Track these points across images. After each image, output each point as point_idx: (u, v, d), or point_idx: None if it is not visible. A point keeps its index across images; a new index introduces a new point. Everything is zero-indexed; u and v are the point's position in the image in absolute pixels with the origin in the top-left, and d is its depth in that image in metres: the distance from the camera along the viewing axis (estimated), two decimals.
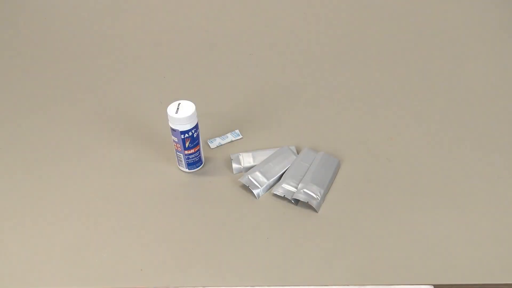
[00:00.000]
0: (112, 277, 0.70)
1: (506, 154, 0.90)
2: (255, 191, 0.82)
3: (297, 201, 0.81)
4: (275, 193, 0.81)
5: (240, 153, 0.89)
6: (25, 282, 0.70)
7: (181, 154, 0.84)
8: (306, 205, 0.80)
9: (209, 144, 0.93)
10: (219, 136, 0.95)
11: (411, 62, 1.16)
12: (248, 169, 0.87)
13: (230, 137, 0.95)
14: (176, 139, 0.81)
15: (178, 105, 0.79)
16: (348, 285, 0.69)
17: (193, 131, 0.80)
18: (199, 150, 0.85)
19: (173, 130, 0.80)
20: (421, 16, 1.31)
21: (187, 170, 0.87)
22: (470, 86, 1.08)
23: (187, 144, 0.81)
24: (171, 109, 0.79)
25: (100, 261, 0.72)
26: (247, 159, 0.88)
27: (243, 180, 0.83)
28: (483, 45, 1.20)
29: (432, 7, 1.34)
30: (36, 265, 0.72)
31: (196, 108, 0.80)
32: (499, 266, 0.71)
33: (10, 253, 0.74)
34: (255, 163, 0.87)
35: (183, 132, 0.80)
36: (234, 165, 0.87)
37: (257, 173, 0.84)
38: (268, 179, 0.84)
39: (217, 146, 0.93)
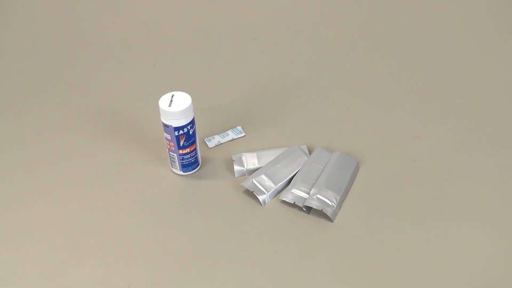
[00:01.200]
0: None
1: None
2: (261, 198, 0.80)
3: (309, 209, 0.79)
4: (283, 199, 0.79)
5: (243, 153, 0.87)
6: None
7: (175, 154, 0.81)
8: (320, 214, 0.78)
9: (207, 142, 0.91)
10: (218, 133, 0.93)
11: (436, 54, 1.14)
12: (252, 171, 0.85)
13: (231, 134, 0.92)
14: (169, 137, 0.79)
15: (172, 97, 0.77)
16: None
17: (188, 127, 0.78)
18: (195, 149, 0.83)
19: (165, 126, 0.78)
20: (444, 11, 1.29)
21: (181, 172, 0.85)
22: (504, 81, 1.05)
23: (181, 143, 0.79)
24: (163, 101, 0.77)
25: (81, 278, 0.70)
26: (251, 160, 0.85)
27: (247, 185, 0.81)
28: None
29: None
30: (10, 283, 0.69)
31: (192, 101, 0.78)
32: None
33: None
34: (260, 165, 0.85)
35: (177, 129, 0.77)
36: (236, 167, 0.85)
37: (263, 177, 0.81)
38: (275, 184, 0.81)
39: (216, 145, 0.91)
